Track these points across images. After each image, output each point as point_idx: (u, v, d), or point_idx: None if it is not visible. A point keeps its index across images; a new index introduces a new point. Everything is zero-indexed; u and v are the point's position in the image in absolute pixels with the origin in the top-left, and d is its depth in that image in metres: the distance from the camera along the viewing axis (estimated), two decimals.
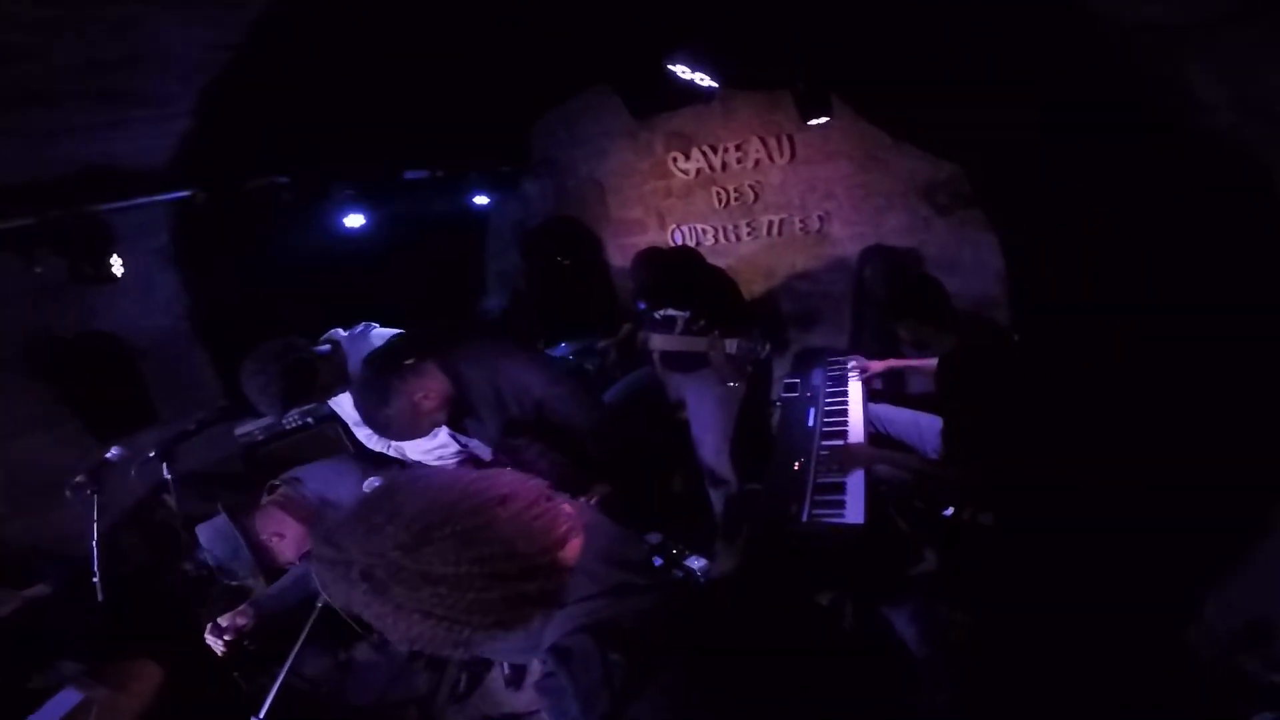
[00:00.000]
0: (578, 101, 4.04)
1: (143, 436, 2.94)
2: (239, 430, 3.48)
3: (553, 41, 3.03)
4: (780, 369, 4.26)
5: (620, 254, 4.43)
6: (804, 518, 2.42)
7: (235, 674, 2.27)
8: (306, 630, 1.98)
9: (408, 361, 2.26)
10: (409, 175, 3.51)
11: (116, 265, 2.77)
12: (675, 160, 4.09)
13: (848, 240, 4.02)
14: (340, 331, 2.66)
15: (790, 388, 3.53)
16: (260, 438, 3.49)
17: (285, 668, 1.90)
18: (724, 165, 4.03)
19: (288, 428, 3.52)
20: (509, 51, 3.11)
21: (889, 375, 3.55)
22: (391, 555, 0.96)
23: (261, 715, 1.81)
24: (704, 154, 4.02)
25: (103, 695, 2.38)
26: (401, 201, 3.57)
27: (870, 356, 3.52)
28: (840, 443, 2.84)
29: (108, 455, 2.69)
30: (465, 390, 2.36)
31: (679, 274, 3.26)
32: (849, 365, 3.48)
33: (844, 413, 3.10)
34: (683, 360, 3.33)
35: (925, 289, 2.67)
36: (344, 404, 2.78)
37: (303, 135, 2.97)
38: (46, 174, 2.48)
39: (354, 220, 3.42)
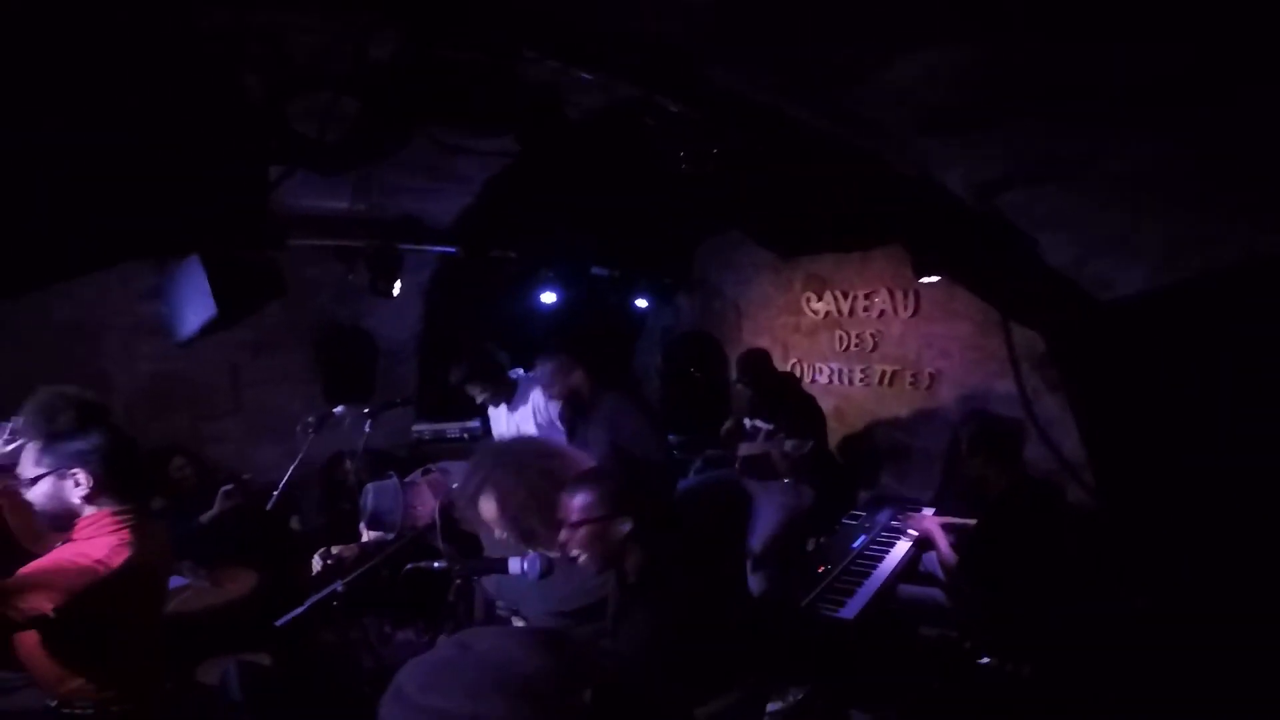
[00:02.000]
0: (734, 234, 5.10)
1: (358, 406, 4.06)
2: (415, 428, 4.55)
3: (713, 188, 4.15)
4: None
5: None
6: (803, 604, 2.81)
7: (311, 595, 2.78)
8: (366, 567, 2.45)
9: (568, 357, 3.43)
10: (594, 270, 4.68)
11: (396, 287, 4.09)
12: (809, 300, 4.93)
13: (954, 401, 4.45)
14: (520, 371, 3.77)
15: (854, 517, 3.87)
16: (427, 438, 4.53)
17: (328, 590, 2.21)
18: (851, 311, 4.77)
19: (448, 436, 4.53)
20: (685, 187, 4.26)
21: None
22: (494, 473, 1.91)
23: (283, 621, 2.08)
24: (835, 298, 4.80)
25: (200, 585, 3.19)
26: (584, 290, 4.72)
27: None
28: (877, 564, 3.18)
29: (334, 410, 3.81)
30: (592, 402, 3.31)
31: (778, 395, 4.03)
32: (919, 515, 3.72)
33: (891, 544, 3.41)
34: (758, 466, 3.93)
35: (1002, 434, 3.11)
36: (499, 423, 3.80)
37: (532, 225, 4.25)
38: (379, 215, 3.89)
39: (548, 297, 4.59)
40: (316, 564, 2.81)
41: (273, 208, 3.27)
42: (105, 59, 1.76)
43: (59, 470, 1.80)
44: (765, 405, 4.04)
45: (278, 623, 2.12)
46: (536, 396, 3.74)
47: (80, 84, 1.77)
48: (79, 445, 1.81)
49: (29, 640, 1.73)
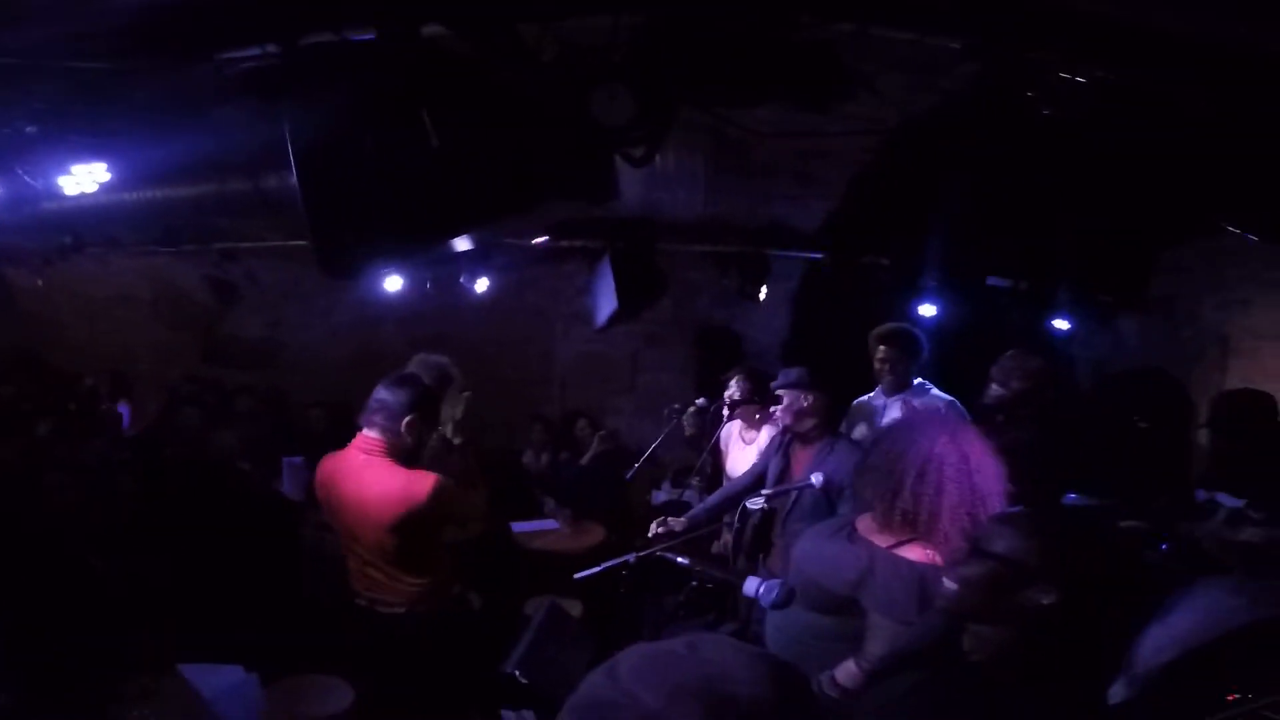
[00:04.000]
0: (1225, 237, 3.64)
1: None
2: None
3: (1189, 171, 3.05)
4: None
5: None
6: None
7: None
8: (654, 549, 2.50)
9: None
10: (991, 281, 4.01)
11: (763, 293, 4.40)
12: None
13: None
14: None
15: None
16: None
17: (619, 560, 2.39)
18: None
19: None
20: (1140, 172, 3.27)
21: None
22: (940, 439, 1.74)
23: (580, 576, 2.40)
24: None
25: (562, 531, 3.94)
26: (975, 304, 4.11)
27: None
28: None
29: (698, 401, 4.30)
30: None
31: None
32: None
33: None
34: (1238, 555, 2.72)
35: None
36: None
37: (911, 225, 3.93)
38: (749, 221, 4.23)
39: (927, 310, 4.17)
40: (653, 529, 3.30)
41: (647, 213, 3.96)
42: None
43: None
44: (1251, 473, 2.82)
45: (576, 576, 2.58)
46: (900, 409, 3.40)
47: None
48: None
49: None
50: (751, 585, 1.97)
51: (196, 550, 3.20)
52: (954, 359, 4.20)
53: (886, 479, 1.81)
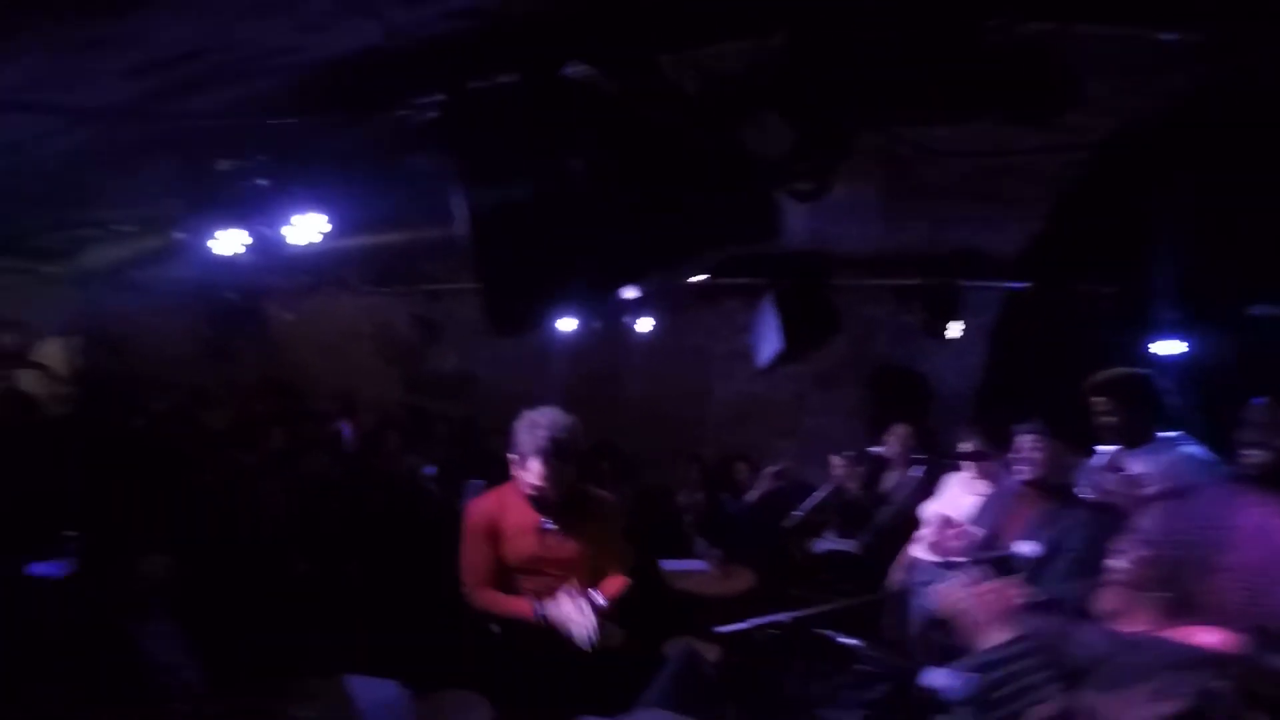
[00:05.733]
0: None
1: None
2: None
3: None
4: None
5: None
6: None
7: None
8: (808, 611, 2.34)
9: None
10: (1256, 310, 3.23)
11: (954, 330, 3.95)
12: None
13: None
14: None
15: None
16: None
17: (771, 618, 2.23)
18: None
19: None
20: None
21: None
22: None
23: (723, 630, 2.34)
24: None
25: (710, 573, 3.77)
26: (1237, 338, 3.33)
27: None
28: None
29: (872, 449, 3.95)
30: None
31: None
32: None
33: None
34: None
35: None
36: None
37: (1141, 246, 3.30)
38: (937, 249, 3.84)
39: (1170, 346, 3.46)
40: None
41: (816, 247, 3.76)
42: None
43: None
44: None
45: (717, 629, 2.51)
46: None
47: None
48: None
49: None
50: (938, 678, 1.66)
51: (380, 561, 3.56)
52: (1216, 404, 3.40)
53: (1128, 553, 1.44)
